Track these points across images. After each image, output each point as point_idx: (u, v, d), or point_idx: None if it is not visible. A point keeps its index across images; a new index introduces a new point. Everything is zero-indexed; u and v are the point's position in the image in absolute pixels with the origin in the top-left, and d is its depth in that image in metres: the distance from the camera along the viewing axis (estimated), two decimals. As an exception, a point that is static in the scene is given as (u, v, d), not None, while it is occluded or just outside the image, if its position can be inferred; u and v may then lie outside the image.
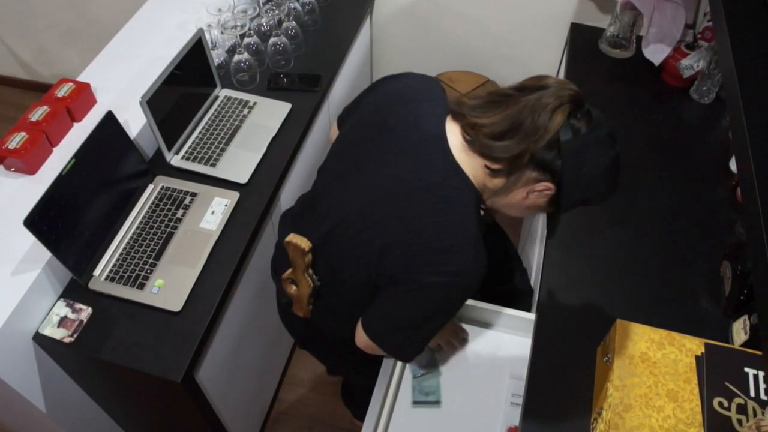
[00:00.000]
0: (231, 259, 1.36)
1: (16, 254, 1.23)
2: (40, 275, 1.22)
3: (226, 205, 1.44)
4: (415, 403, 1.26)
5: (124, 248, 1.34)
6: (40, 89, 2.94)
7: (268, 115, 1.66)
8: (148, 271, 1.31)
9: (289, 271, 1.11)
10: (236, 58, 1.71)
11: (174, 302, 1.27)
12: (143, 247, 1.35)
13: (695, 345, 1.04)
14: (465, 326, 1.37)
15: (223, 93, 1.69)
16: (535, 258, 1.67)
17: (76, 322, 1.24)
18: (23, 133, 1.37)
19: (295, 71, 1.79)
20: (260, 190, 1.50)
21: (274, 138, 1.60)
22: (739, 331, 1.15)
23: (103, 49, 1.71)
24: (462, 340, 1.34)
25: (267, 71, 1.78)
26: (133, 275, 1.30)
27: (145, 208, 1.42)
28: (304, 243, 1.05)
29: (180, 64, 1.46)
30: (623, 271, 1.32)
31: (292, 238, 1.05)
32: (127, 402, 1.51)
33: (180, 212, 1.42)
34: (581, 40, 1.95)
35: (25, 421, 1.41)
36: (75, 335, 1.22)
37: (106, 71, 1.63)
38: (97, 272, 1.30)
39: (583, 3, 1.99)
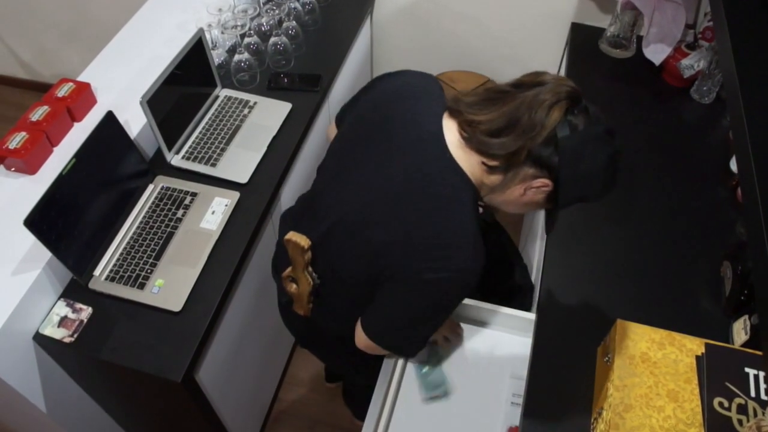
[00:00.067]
0: (231, 259, 1.36)
1: (16, 254, 1.23)
2: (41, 275, 1.22)
3: (226, 205, 1.44)
4: (427, 399, 1.26)
5: (125, 248, 1.34)
6: (40, 89, 2.94)
7: (269, 114, 1.66)
8: (149, 271, 1.31)
9: (289, 269, 1.11)
10: (236, 57, 1.71)
11: (174, 302, 1.27)
12: (143, 247, 1.35)
13: (696, 345, 1.04)
14: (466, 326, 1.37)
15: (223, 93, 1.69)
16: (535, 257, 1.67)
17: (77, 322, 1.24)
18: (23, 133, 1.37)
19: (296, 71, 1.79)
20: (260, 189, 1.50)
21: (275, 138, 1.60)
22: (740, 331, 1.15)
23: (103, 49, 1.71)
24: (458, 335, 1.34)
25: (267, 71, 1.78)
26: (134, 275, 1.30)
27: (146, 208, 1.42)
28: (303, 241, 1.05)
29: (180, 63, 1.46)
30: (624, 271, 1.32)
31: (292, 235, 1.05)
32: (128, 402, 1.51)
33: (180, 212, 1.42)
34: (582, 40, 1.95)
35: (26, 420, 1.41)
36: (75, 335, 1.22)
37: (107, 71, 1.63)
38: (97, 272, 1.30)
39: (584, 3, 1.99)
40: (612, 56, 1.89)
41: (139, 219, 1.40)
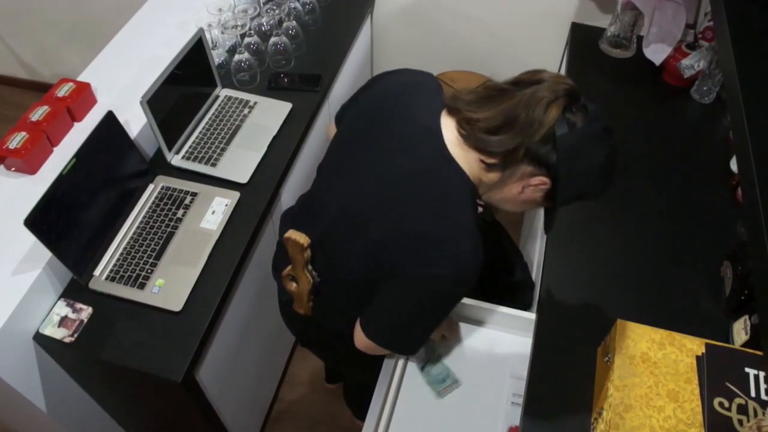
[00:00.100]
0: (231, 259, 1.36)
1: (16, 254, 1.23)
2: (41, 275, 1.22)
3: (226, 205, 1.44)
4: (439, 393, 1.26)
5: (125, 248, 1.34)
6: (40, 89, 2.94)
7: (269, 114, 1.66)
8: (149, 270, 1.31)
9: (289, 267, 1.12)
10: (237, 57, 1.71)
11: (174, 302, 1.27)
12: (144, 247, 1.35)
13: (696, 345, 1.04)
14: (466, 326, 1.37)
15: (223, 93, 1.69)
16: (535, 257, 1.67)
17: (77, 322, 1.24)
18: (24, 133, 1.37)
19: (296, 71, 1.79)
20: (261, 189, 1.50)
21: (275, 138, 1.60)
22: (740, 331, 1.15)
23: (103, 49, 1.71)
24: (455, 333, 1.34)
25: (267, 71, 1.78)
26: (134, 275, 1.30)
27: (146, 208, 1.42)
28: (302, 239, 1.05)
29: (180, 63, 1.46)
30: (624, 271, 1.32)
31: (291, 234, 1.06)
32: (128, 401, 1.51)
33: (180, 212, 1.42)
34: (582, 40, 1.95)
35: (26, 420, 1.41)
36: (75, 335, 1.22)
37: (107, 71, 1.63)
38: (97, 272, 1.30)
39: (584, 3, 1.99)
40: (612, 56, 1.89)
41: (140, 219, 1.40)
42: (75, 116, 1.48)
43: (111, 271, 1.30)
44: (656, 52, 1.77)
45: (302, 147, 1.68)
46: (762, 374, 0.97)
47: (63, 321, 1.24)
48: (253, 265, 1.50)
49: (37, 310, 1.23)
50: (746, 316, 1.16)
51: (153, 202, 1.43)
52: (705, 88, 1.70)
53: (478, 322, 1.37)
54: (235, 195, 1.46)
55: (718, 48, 1.09)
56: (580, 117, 0.90)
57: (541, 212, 1.24)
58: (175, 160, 1.52)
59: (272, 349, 1.89)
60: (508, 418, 1.23)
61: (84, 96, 1.49)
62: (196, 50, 1.52)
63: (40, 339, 1.23)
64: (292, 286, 1.15)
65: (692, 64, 1.68)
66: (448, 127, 0.97)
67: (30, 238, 1.16)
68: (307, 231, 1.07)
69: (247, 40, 1.73)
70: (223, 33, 1.74)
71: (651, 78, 1.80)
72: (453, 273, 0.93)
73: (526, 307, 1.54)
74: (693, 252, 1.35)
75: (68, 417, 1.40)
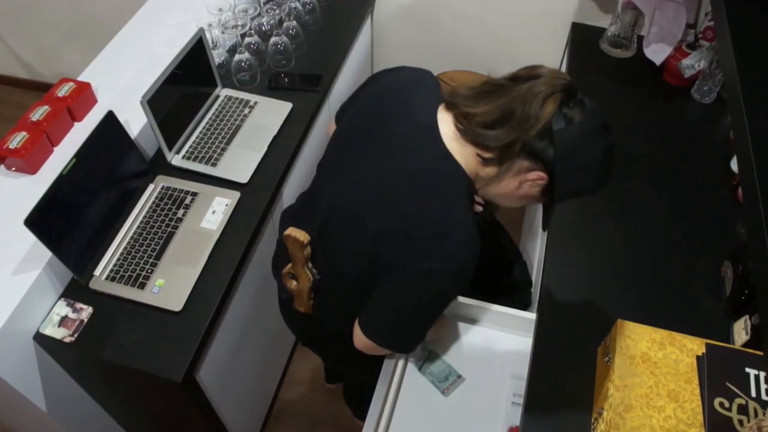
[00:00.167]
0: (232, 259, 1.36)
1: (16, 254, 1.23)
2: (41, 275, 1.22)
3: (226, 205, 1.44)
4: (445, 391, 1.26)
5: (125, 248, 1.34)
6: (40, 89, 2.94)
7: (269, 114, 1.66)
8: (149, 270, 1.31)
9: (289, 265, 1.12)
10: (237, 57, 1.71)
11: (174, 302, 1.27)
12: (144, 247, 1.35)
13: (696, 345, 1.04)
14: (466, 326, 1.37)
15: (223, 92, 1.69)
16: (535, 257, 1.67)
17: (77, 322, 1.24)
18: (24, 133, 1.37)
19: (296, 71, 1.79)
20: (261, 189, 1.50)
21: (275, 137, 1.60)
22: (740, 331, 1.15)
23: (103, 49, 1.71)
24: (445, 329, 1.34)
25: (268, 71, 1.78)
26: (134, 275, 1.30)
27: (146, 208, 1.42)
28: (302, 236, 1.05)
29: (181, 63, 1.46)
30: (624, 271, 1.32)
31: (291, 231, 1.06)
32: (128, 401, 1.51)
33: (181, 212, 1.42)
34: (582, 40, 1.95)
35: (26, 420, 1.41)
36: (75, 335, 1.22)
37: (107, 71, 1.63)
38: (97, 272, 1.30)
39: (585, 2, 1.99)
40: (613, 56, 1.88)
41: (140, 219, 1.40)
42: (75, 116, 1.48)
43: (111, 270, 1.30)
44: (657, 52, 1.77)
45: (302, 147, 1.68)
46: (762, 374, 0.97)
47: (63, 321, 1.24)
48: (254, 265, 1.50)
49: (37, 310, 1.23)
50: (747, 316, 1.16)
51: (153, 202, 1.43)
52: (705, 88, 1.70)
53: (479, 322, 1.37)
54: (236, 195, 1.46)
55: (719, 48, 1.09)
56: (578, 112, 0.90)
57: (542, 212, 1.25)
58: (176, 159, 1.52)
59: (272, 349, 1.89)
60: (508, 418, 1.23)
61: (84, 96, 1.49)
62: (197, 50, 1.52)
63: (40, 339, 1.23)
64: (293, 284, 1.15)
65: (693, 63, 1.68)
66: (446, 122, 0.97)
67: (30, 238, 1.16)
68: (306, 228, 1.07)
69: (247, 39, 1.73)
70: (223, 33, 1.73)
71: (651, 78, 1.80)
72: (449, 267, 0.93)
73: (525, 307, 1.54)
74: (693, 252, 1.35)
75: (68, 417, 1.40)
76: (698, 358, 1.02)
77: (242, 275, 1.43)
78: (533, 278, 1.63)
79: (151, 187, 1.46)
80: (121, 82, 1.59)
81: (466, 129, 0.94)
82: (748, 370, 0.98)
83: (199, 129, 1.59)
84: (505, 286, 1.60)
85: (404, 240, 0.94)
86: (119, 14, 1.91)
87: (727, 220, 1.41)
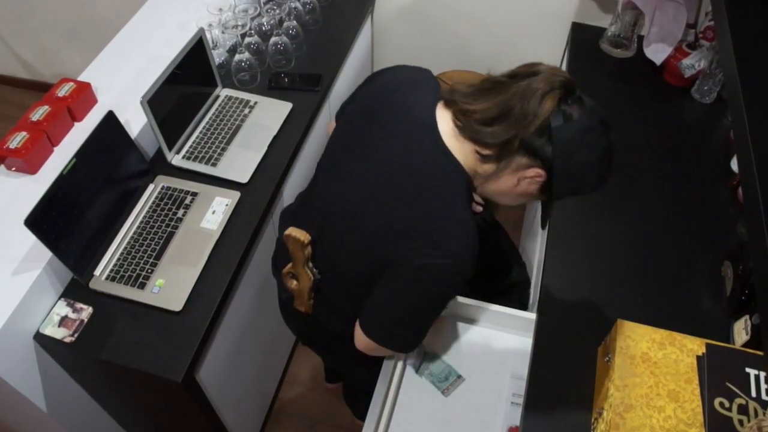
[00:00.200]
0: (232, 259, 1.36)
1: (16, 254, 1.23)
2: (41, 275, 1.22)
3: (227, 205, 1.44)
4: (445, 391, 1.26)
5: (125, 248, 1.34)
6: (41, 89, 2.94)
7: (269, 114, 1.66)
8: (149, 270, 1.31)
9: (290, 265, 1.12)
10: (237, 57, 1.71)
11: (175, 302, 1.27)
12: (144, 247, 1.35)
13: (696, 345, 1.04)
14: (466, 326, 1.37)
15: (224, 92, 1.69)
16: (535, 257, 1.67)
17: (77, 322, 1.24)
18: (24, 133, 1.37)
19: (296, 71, 1.79)
20: (261, 189, 1.50)
21: (275, 137, 1.60)
22: (741, 331, 1.15)
23: (104, 49, 1.71)
24: (439, 329, 1.34)
25: (268, 71, 1.78)
26: (134, 275, 1.30)
27: (146, 208, 1.42)
28: (303, 236, 1.05)
29: (181, 63, 1.46)
30: (624, 271, 1.32)
31: (292, 231, 1.06)
32: (128, 401, 1.51)
33: (181, 212, 1.42)
34: (582, 40, 1.94)
35: (26, 420, 1.41)
36: (76, 335, 1.22)
37: (107, 71, 1.63)
38: (97, 272, 1.30)
39: (585, 2, 1.99)
40: (613, 56, 1.88)
41: (140, 219, 1.40)
42: (75, 116, 1.48)
43: (111, 270, 1.30)
44: (657, 52, 1.77)
45: (303, 147, 1.68)
46: (763, 374, 0.97)
47: (63, 321, 1.24)
48: (254, 265, 1.50)
49: (37, 310, 1.23)
50: (747, 316, 1.16)
51: (153, 202, 1.43)
52: (706, 88, 1.70)
53: (479, 322, 1.37)
54: (236, 195, 1.46)
55: (719, 47, 1.09)
56: (576, 109, 0.90)
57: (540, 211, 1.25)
58: (176, 159, 1.52)
59: (272, 349, 1.89)
60: (508, 418, 1.23)
61: (84, 96, 1.49)
62: (197, 50, 1.52)
63: (40, 339, 1.23)
64: (293, 283, 1.15)
65: (693, 63, 1.68)
66: (444, 119, 0.97)
67: (30, 238, 1.16)
68: (307, 228, 1.07)
69: (247, 39, 1.73)
70: (223, 33, 1.73)
71: (652, 78, 1.80)
72: (448, 263, 0.93)
73: (523, 307, 1.54)
74: (693, 252, 1.35)
75: (68, 417, 1.40)
76: (698, 358, 1.02)
77: (242, 275, 1.43)
78: (533, 278, 1.63)
79: (151, 187, 1.46)
80: (121, 82, 1.59)
81: (465, 126, 0.94)
82: (748, 370, 0.98)
83: (200, 129, 1.59)
84: (503, 286, 1.60)
85: (403, 237, 0.94)
86: (119, 14, 1.91)
87: (727, 220, 1.41)
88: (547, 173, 0.93)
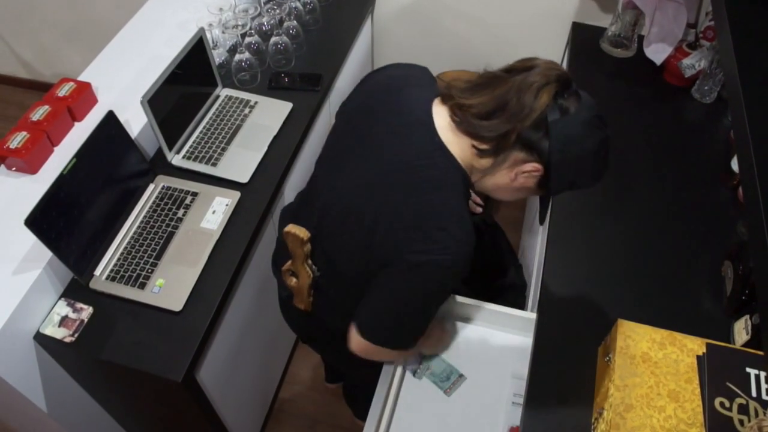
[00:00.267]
0: (232, 259, 1.36)
1: (17, 254, 1.23)
2: (41, 275, 1.22)
3: (227, 205, 1.44)
4: (447, 391, 1.26)
5: (125, 248, 1.34)
6: (41, 88, 2.94)
7: (269, 114, 1.66)
8: (149, 270, 1.31)
9: (289, 262, 1.12)
10: (237, 57, 1.71)
11: (175, 302, 1.27)
12: (144, 247, 1.35)
13: (696, 345, 1.04)
14: (466, 326, 1.37)
15: (224, 92, 1.69)
16: (535, 257, 1.67)
17: (77, 322, 1.24)
18: (24, 133, 1.37)
19: (296, 70, 1.79)
20: (261, 189, 1.50)
21: (275, 137, 1.60)
22: (741, 331, 1.15)
23: (104, 49, 1.71)
24: (439, 331, 1.34)
25: (268, 70, 1.78)
26: (134, 275, 1.30)
27: (146, 208, 1.42)
28: (302, 233, 1.05)
29: (181, 63, 1.46)
30: (624, 271, 1.32)
31: (291, 228, 1.06)
32: (128, 401, 1.51)
33: (181, 212, 1.42)
34: (582, 40, 1.94)
35: (26, 420, 1.41)
36: (76, 335, 1.22)
37: (107, 70, 1.63)
38: (98, 272, 1.30)
39: (585, 2, 1.99)
40: (613, 56, 1.88)
41: (140, 218, 1.40)
42: (75, 116, 1.48)
43: (111, 270, 1.30)
44: (657, 52, 1.77)
45: (303, 146, 1.68)
46: (763, 374, 0.97)
47: (63, 321, 1.24)
48: (254, 264, 1.50)
49: (37, 310, 1.23)
50: (747, 316, 1.16)
51: (153, 202, 1.43)
52: (706, 88, 1.70)
53: (479, 322, 1.37)
54: (236, 195, 1.46)
55: (719, 47, 1.09)
56: (573, 103, 0.90)
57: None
58: (176, 159, 1.52)
59: (272, 349, 1.89)
60: (508, 418, 1.23)
61: (84, 96, 1.49)
62: (197, 50, 1.52)
63: (40, 339, 1.23)
64: (292, 281, 1.15)
65: (693, 63, 1.68)
66: (440, 115, 0.97)
67: (30, 238, 1.16)
68: (306, 225, 1.07)
69: (247, 39, 1.73)
70: (223, 32, 1.74)
71: (652, 78, 1.80)
72: (445, 259, 0.93)
73: (518, 308, 1.54)
74: (694, 251, 1.35)
75: (69, 417, 1.40)
76: (699, 357, 1.02)
77: (242, 275, 1.43)
78: (533, 278, 1.63)
79: (151, 186, 1.46)
80: (122, 82, 1.59)
81: (462, 120, 0.94)
82: (748, 369, 0.98)
83: (200, 129, 1.59)
84: (499, 287, 1.60)
85: (400, 233, 0.94)
86: (119, 14, 1.91)
87: (727, 219, 1.41)
88: (544, 168, 0.93)
